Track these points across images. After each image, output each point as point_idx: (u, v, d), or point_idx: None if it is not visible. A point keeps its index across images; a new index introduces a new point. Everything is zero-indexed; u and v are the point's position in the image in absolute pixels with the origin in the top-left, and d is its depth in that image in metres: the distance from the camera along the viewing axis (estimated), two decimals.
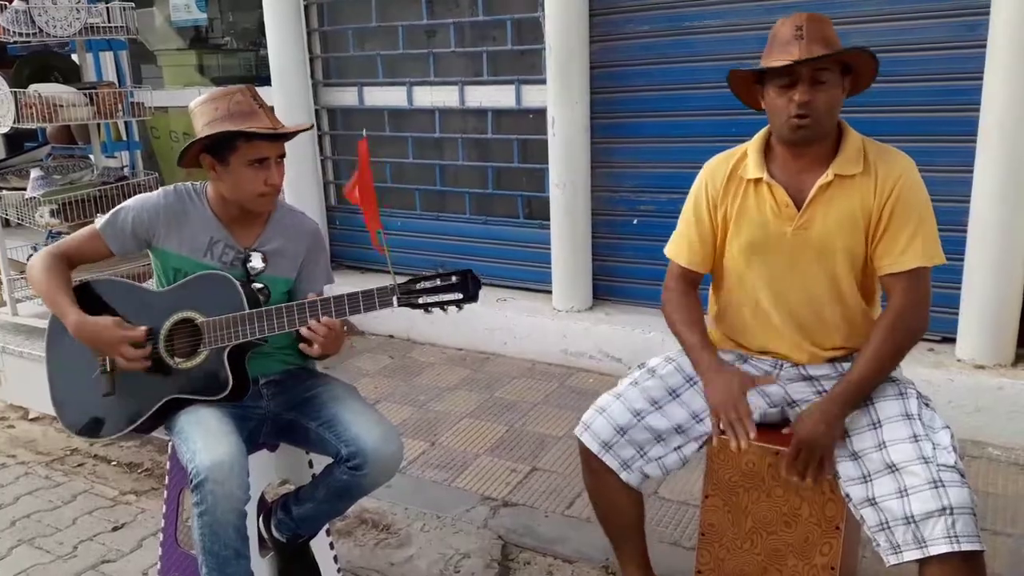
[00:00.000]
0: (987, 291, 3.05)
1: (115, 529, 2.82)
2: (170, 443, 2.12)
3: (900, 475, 1.70)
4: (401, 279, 1.89)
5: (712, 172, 2.00)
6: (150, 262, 2.21)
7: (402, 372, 4.02)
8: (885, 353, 1.80)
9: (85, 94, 3.62)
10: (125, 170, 4.10)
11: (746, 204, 1.93)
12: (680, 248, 2.05)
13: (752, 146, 1.95)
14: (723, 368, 1.93)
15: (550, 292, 4.12)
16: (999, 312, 3.07)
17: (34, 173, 3.73)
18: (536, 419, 3.45)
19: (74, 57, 4.07)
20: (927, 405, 1.83)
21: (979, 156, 3.00)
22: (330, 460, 2.07)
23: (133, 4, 3.80)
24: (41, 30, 3.45)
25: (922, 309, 1.84)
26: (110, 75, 4.77)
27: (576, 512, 2.73)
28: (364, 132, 2.03)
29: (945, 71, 3.14)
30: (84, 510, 2.95)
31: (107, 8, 3.69)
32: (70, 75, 3.96)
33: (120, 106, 3.73)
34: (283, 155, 2.07)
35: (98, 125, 3.93)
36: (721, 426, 1.87)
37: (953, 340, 3.21)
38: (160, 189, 2.14)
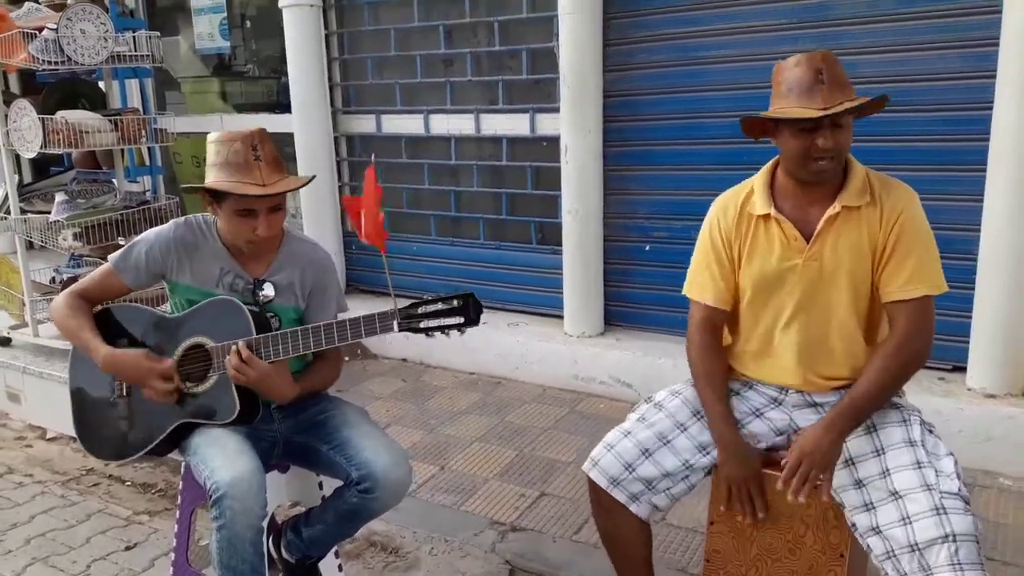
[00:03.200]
0: (998, 320, 3.05)
1: (128, 548, 2.85)
2: (183, 464, 2.15)
3: (903, 502, 1.70)
4: (403, 303, 1.91)
5: (723, 209, 2.02)
6: (164, 285, 2.25)
7: (414, 396, 4.05)
8: (888, 374, 1.82)
9: (111, 120, 3.71)
10: (147, 194, 4.17)
11: (756, 240, 1.95)
12: (704, 286, 2.03)
13: (758, 181, 1.98)
14: (742, 443, 1.94)
15: (562, 317, 4.15)
16: (1010, 341, 3.06)
17: (58, 197, 3.81)
18: (546, 444, 3.46)
19: (101, 84, 4.17)
20: (931, 432, 1.83)
21: (989, 185, 3.01)
22: (340, 483, 2.10)
23: (159, 33, 3.90)
24: (69, 58, 3.53)
25: (926, 335, 1.85)
26: (135, 101, 4.87)
27: (584, 538, 2.74)
28: (373, 157, 2.06)
29: (955, 101, 3.17)
30: (98, 529, 2.98)
31: (134, 37, 3.78)
32: (96, 102, 4.05)
33: (144, 132, 3.81)
34: (277, 207, 2.06)
35: (122, 150, 4.01)
36: (731, 499, 1.92)
37: (964, 369, 3.20)
38: (171, 222, 2.18)
